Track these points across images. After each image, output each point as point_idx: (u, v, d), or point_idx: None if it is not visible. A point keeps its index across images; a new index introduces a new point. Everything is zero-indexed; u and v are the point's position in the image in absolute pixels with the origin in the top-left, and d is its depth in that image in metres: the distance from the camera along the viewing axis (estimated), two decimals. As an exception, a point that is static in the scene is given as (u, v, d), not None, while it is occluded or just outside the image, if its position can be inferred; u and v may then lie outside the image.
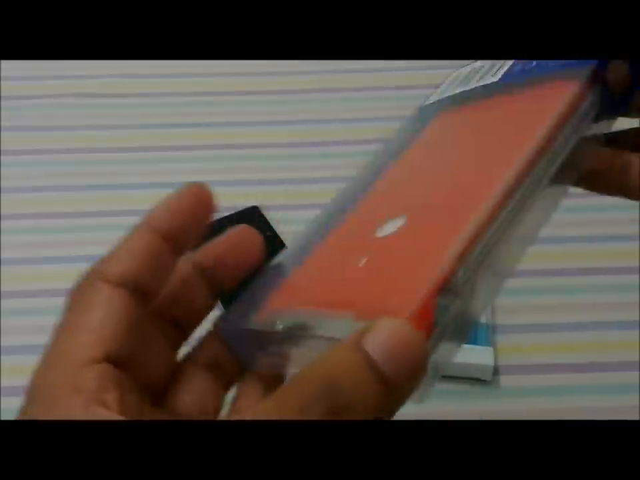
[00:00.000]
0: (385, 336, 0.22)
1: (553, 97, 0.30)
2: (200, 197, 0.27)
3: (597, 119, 0.31)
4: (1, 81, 0.78)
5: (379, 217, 0.30)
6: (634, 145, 0.33)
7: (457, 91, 0.37)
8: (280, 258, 0.31)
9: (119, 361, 0.25)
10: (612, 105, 0.32)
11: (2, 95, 0.76)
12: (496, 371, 0.53)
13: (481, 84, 0.36)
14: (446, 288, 0.24)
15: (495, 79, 0.35)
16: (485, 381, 0.53)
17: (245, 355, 0.29)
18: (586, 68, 0.31)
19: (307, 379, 0.22)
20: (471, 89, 0.36)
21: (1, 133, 0.72)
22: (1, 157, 0.70)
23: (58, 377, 0.24)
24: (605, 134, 0.32)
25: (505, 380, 0.53)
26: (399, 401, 0.22)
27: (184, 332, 0.29)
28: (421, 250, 0.26)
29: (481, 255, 0.25)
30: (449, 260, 0.25)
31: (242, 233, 0.30)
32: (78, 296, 0.26)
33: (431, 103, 0.38)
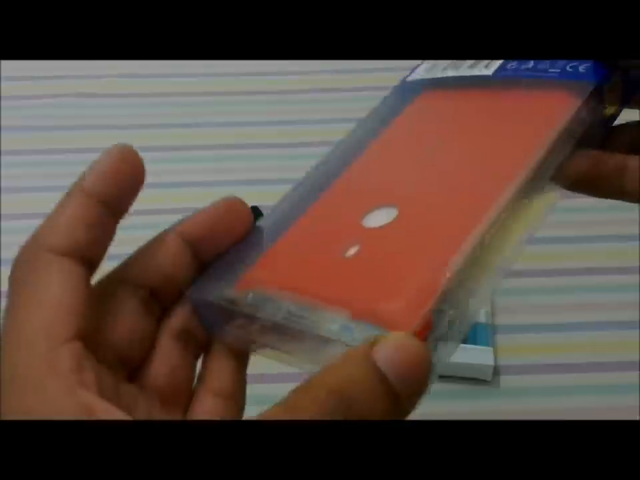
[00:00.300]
0: (395, 350, 0.22)
1: (551, 110, 0.30)
2: (128, 158, 0.26)
3: (591, 130, 0.31)
4: (1, 81, 0.77)
5: (365, 202, 0.29)
6: (631, 143, 0.33)
7: (446, 75, 0.36)
8: (257, 231, 0.30)
9: (90, 337, 0.24)
10: (604, 122, 0.32)
11: (2, 95, 0.76)
12: (496, 370, 0.53)
13: (472, 73, 0.35)
14: (444, 294, 0.24)
15: (488, 72, 0.34)
16: (485, 380, 0.53)
17: (213, 326, 0.28)
18: (585, 84, 0.31)
19: (319, 390, 0.22)
20: (461, 76, 0.35)
21: (1, 133, 0.72)
22: (1, 157, 0.70)
23: (29, 359, 0.22)
24: (600, 133, 0.32)
25: (504, 380, 0.53)
26: (405, 414, 0.22)
27: (164, 302, 0.28)
28: (417, 248, 0.26)
29: (479, 258, 0.25)
30: (449, 267, 0.24)
31: (229, 203, 0.29)
32: (27, 268, 0.24)
33: (415, 80, 0.37)
